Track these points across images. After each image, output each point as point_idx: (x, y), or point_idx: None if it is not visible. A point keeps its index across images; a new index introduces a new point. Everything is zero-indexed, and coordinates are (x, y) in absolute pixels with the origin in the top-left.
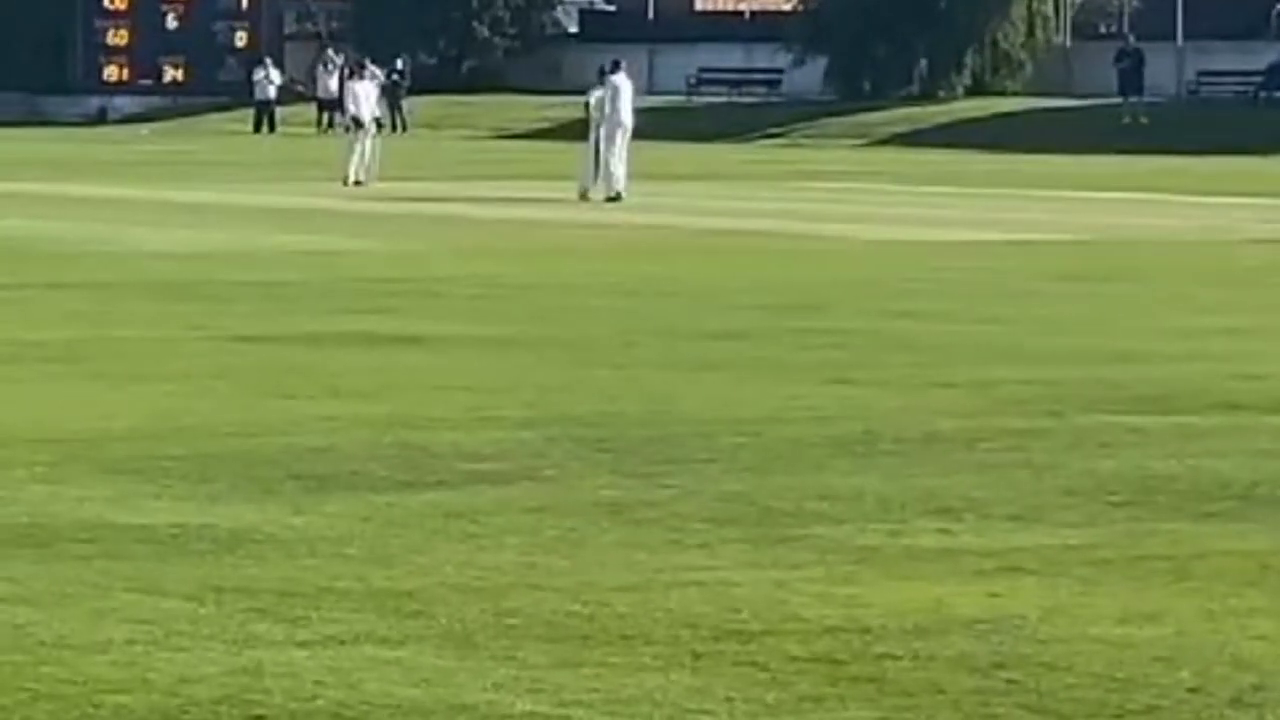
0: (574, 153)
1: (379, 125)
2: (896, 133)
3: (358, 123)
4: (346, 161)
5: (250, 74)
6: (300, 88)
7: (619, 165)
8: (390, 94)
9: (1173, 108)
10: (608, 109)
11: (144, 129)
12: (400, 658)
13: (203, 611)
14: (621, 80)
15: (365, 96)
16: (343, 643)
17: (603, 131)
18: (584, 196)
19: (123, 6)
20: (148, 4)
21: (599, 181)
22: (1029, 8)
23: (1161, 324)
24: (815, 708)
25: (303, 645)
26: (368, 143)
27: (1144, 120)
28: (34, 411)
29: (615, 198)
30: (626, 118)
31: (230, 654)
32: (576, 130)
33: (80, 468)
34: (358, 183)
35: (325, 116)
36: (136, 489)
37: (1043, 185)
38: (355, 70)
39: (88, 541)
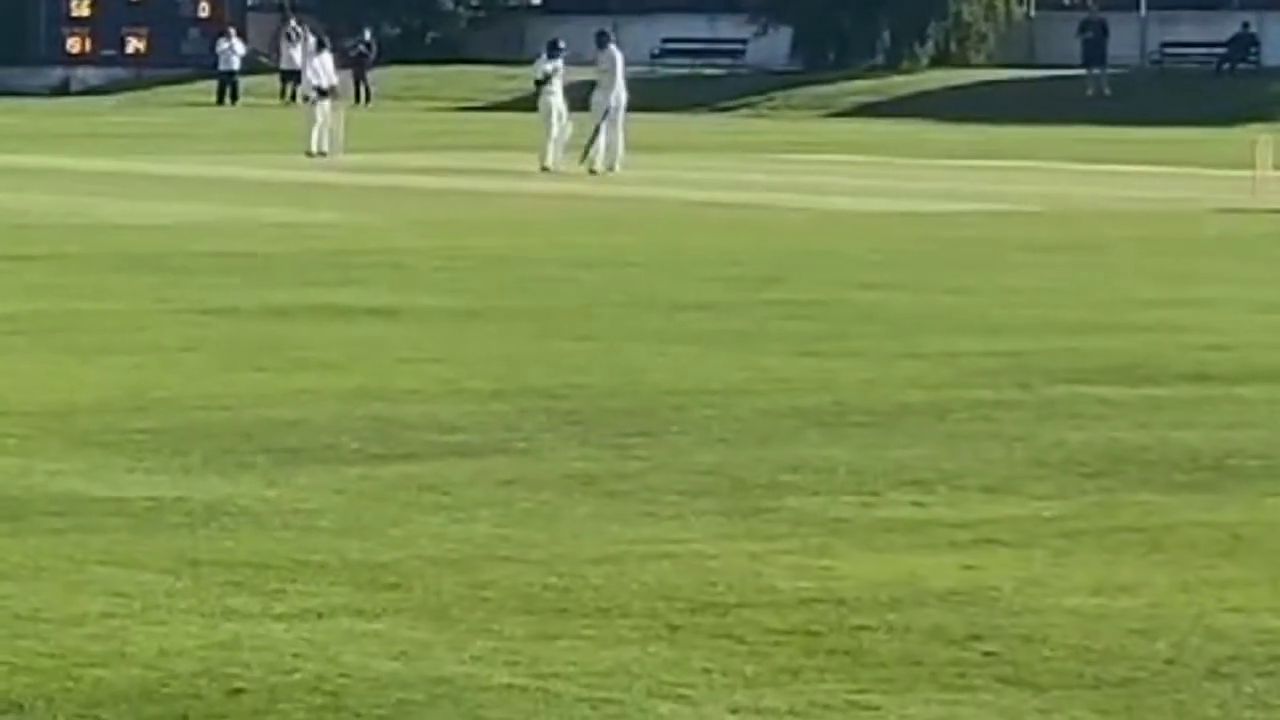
0: (527, 124)
1: (335, 94)
2: (860, 103)
3: (321, 93)
4: (309, 133)
5: (214, 45)
6: (264, 58)
7: (620, 136)
8: (356, 66)
9: (1136, 78)
10: (607, 81)
11: (109, 100)
12: (378, 630)
13: (179, 585)
14: (618, 52)
15: (325, 68)
16: (320, 615)
17: (604, 103)
18: (545, 168)
19: None
20: None
21: (602, 153)
22: None
23: (1127, 294)
24: (793, 680)
25: (280, 618)
26: (331, 114)
27: (1107, 91)
28: (2, 384)
29: (610, 169)
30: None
31: (208, 627)
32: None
33: (51, 441)
34: (321, 154)
35: (289, 88)
36: (108, 462)
37: (1007, 156)
38: (321, 42)
39: (61, 515)
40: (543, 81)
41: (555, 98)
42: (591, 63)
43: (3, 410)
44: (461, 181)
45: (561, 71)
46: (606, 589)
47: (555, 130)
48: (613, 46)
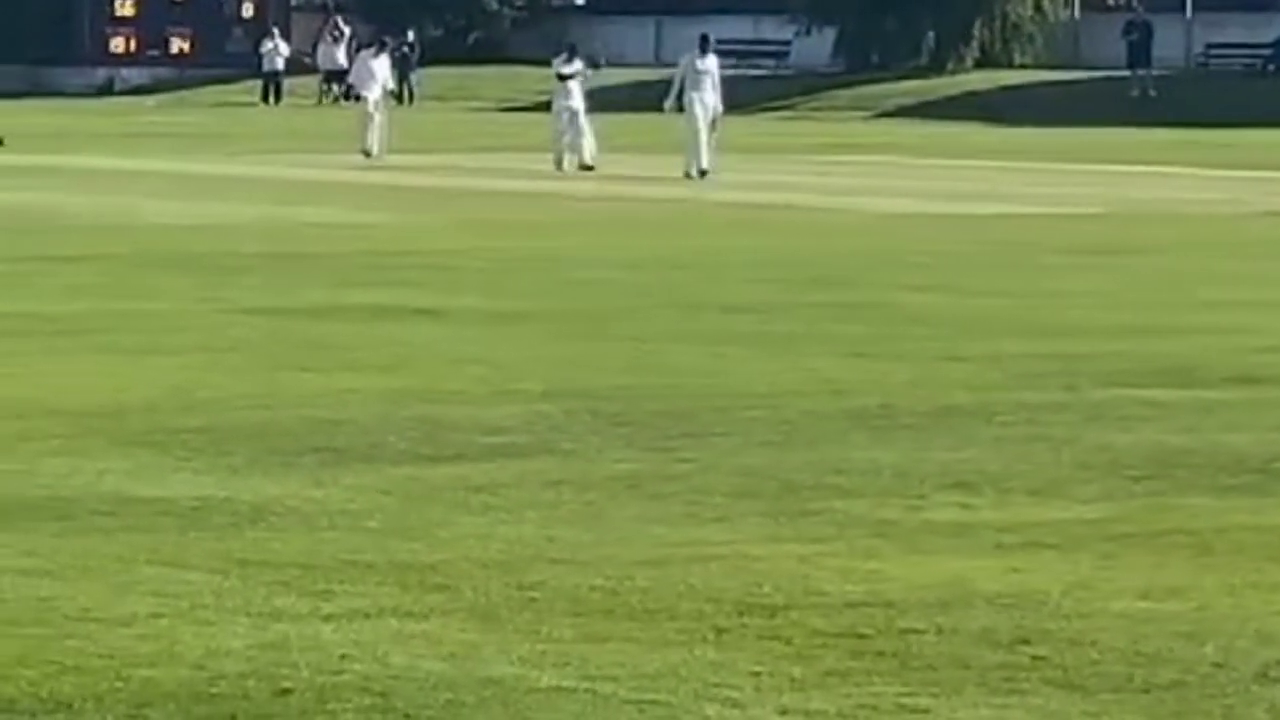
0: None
1: (396, 97)
2: (904, 105)
3: (358, 96)
4: (363, 133)
5: (257, 45)
6: (307, 59)
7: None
8: (400, 66)
9: (1181, 80)
10: (710, 84)
11: (150, 100)
12: (425, 631)
13: (227, 585)
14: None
15: (378, 70)
16: (367, 616)
17: (701, 109)
18: (565, 165)
19: None
20: None
21: (691, 158)
22: None
23: (1173, 297)
24: (841, 682)
25: (328, 619)
26: (378, 115)
27: (1152, 92)
28: (48, 385)
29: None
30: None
31: (256, 627)
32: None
33: (98, 441)
34: (366, 154)
35: (331, 87)
36: (155, 462)
37: (1052, 158)
38: (372, 44)
39: (108, 514)
40: (567, 77)
41: (573, 100)
42: (638, 64)
43: (50, 410)
44: (505, 182)
45: (582, 76)
46: (653, 591)
47: (569, 134)
48: (710, 57)
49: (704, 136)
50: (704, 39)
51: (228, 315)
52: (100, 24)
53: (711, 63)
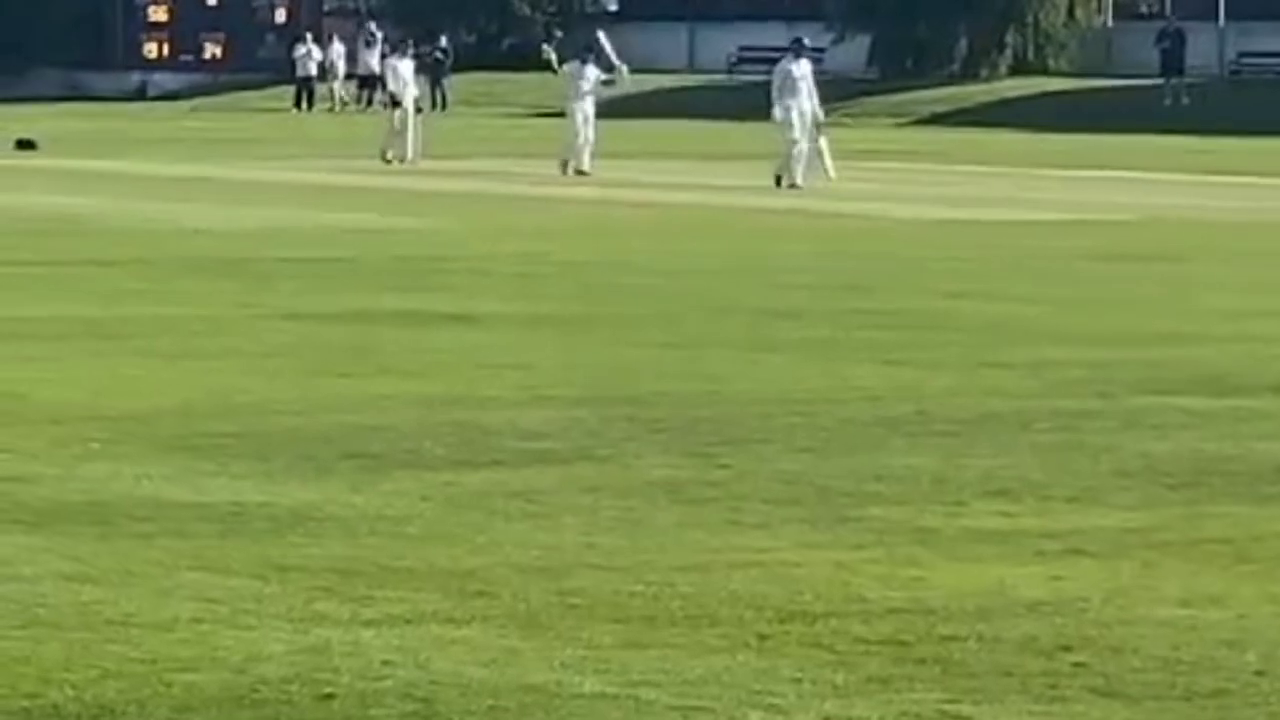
0: (610, 130)
1: (418, 106)
2: (938, 112)
3: (395, 100)
4: (388, 139)
5: (290, 50)
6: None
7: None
8: (433, 71)
9: (1214, 88)
10: (807, 89)
11: (186, 105)
12: (467, 637)
13: (267, 590)
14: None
15: (405, 74)
16: (408, 622)
17: (798, 116)
18: (565, 169)
19: None
20: None
21: (803, 168)
22: None
23: (1208, 305)
24: (883, 689)
25: (369, 624)
26: (410, 120)
27: (1185, 101)
28: (87, 389)
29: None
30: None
31: (297, 632)
32: (619, 107)
33: (136, 445)
34: (400, 159)
35: (365, 93)
36: (194, 466)
37: (1085, 165)
38: (398, 48)
39: (148, 519)
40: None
41: (585, 103)
42: (671, 69)
43: (88, 415)
44: (538, 188)
45: (595, 80)
46: (695, 597)
47: (583, 135)
48: (802, 60)
49: (803, 146)
50: (797, 43)
51: (264, 320)
52: (133, 29)
53: (806, 67)
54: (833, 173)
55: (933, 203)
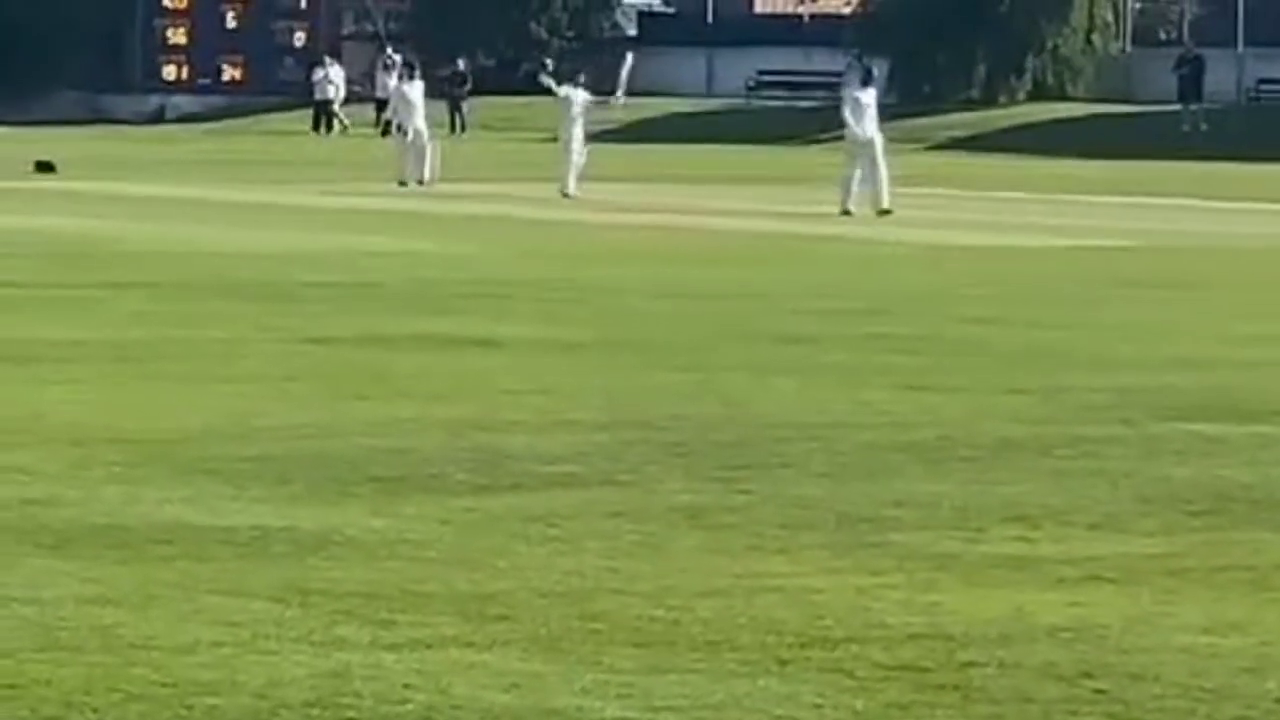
0: (626, 155)
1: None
2: (956, 137)
3: (400, 127)
4: (402, 163)
5: (309, 73)
6: (358, 88)
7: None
8: (450, 96)
9: (1233, 114)
10: (865, 120)
11: (204, 128)
12: (488, 661)
13: (288, 614)
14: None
15: (414, 98)
16: (429, 646)
17: (872, 143)
18: (565, 194)
19: (182, 5)
20: (207, 3)
21: (868, 194)
22: (1089, 14)
23: (1228, 331)
24: (903, 715)
25: (390, 648)
26: (426, 144)
27: (1204, 127)
28: (107, 411)
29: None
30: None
31: (318, 656)
32: (634, 132)
33: (157, 468)
34: (419, 183)
35: (384, 117)
36: (214, 490)
37: (1104, 191)
38: (406, 73)
39: (169, 543)
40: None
41: (577, 127)
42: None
43: (109, 437)
44: (555, 211)
45: (585, 102)
46: (715, 622)
47: (577, 157)
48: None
49: (883, 170)
50: (866, 71)
51: (285, 344)
52: (152, 52)
53: (872, 95)
54: (886, 203)
55: (950, 228)
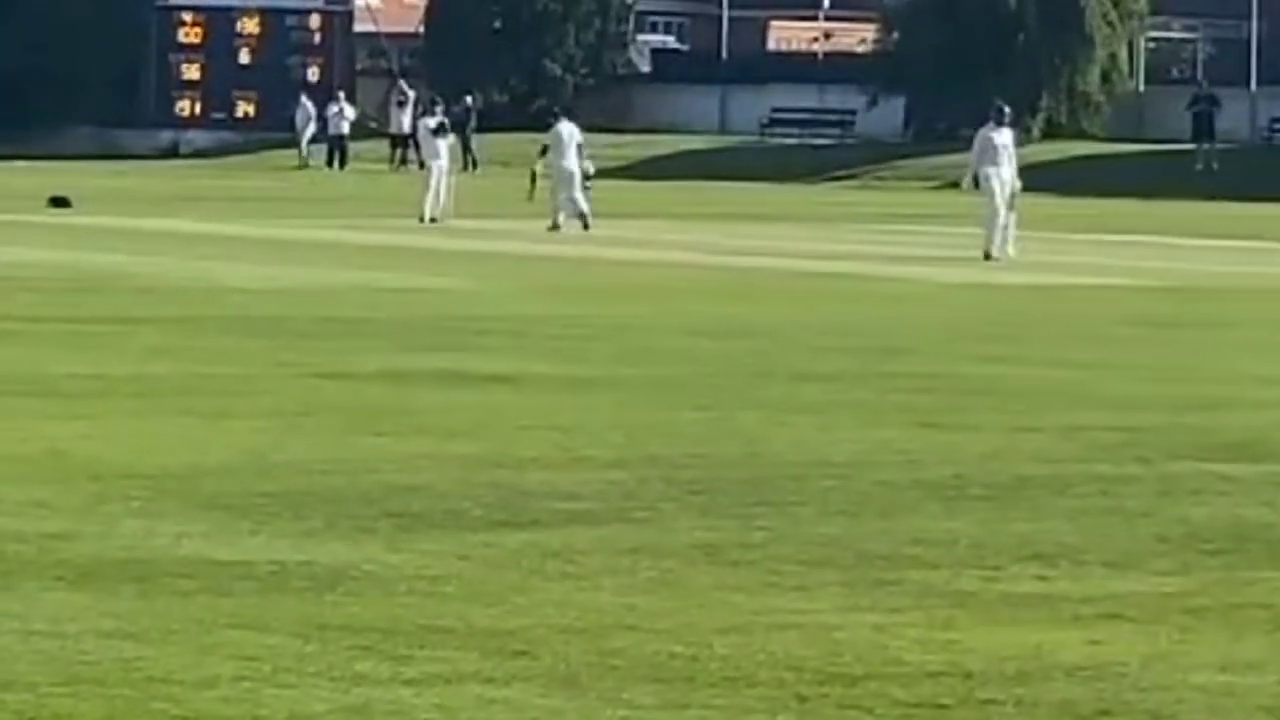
0: (643, 191)
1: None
2: None
3: (421, 163)
4: (422, 199)
5: (323, 109)
6: (373, 123)
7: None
8: (459, 131)
9: (1246, 153)
10: (1007, 158)
11: (217, 163)
12: (507, 697)
13: (308, 649)
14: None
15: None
16: (449, 682)
17: (999, 184)
18: (555, 226)
19: (196, 41)
20: (221, 39)
21: (992, 236)
22: (1104, 52)
23: (1244, 370)
24: None
25: (409, 684)
26: (443, 180)
27: (1216, 166)
28: (126, 446)
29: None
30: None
31: (338, 691)
32: (648, 169)
33: (175, 503)
34: (433, 220)
35: (398, 153)
36: (232, 525)
37: (1118, 230)
38: (427, 108)
39: (188, 577)
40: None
41: (568, 161)
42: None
43: (126, 473)
44: (570, 248)
45: (577, 138)
46: (733, 659)
47: (578, 193)
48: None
49: (1003, 215)
50: (1000, 110)
51: (301, 379)
52: (166, 87)
53: (1008, 135)
54: (1012, 250)
55: (966, 266)
